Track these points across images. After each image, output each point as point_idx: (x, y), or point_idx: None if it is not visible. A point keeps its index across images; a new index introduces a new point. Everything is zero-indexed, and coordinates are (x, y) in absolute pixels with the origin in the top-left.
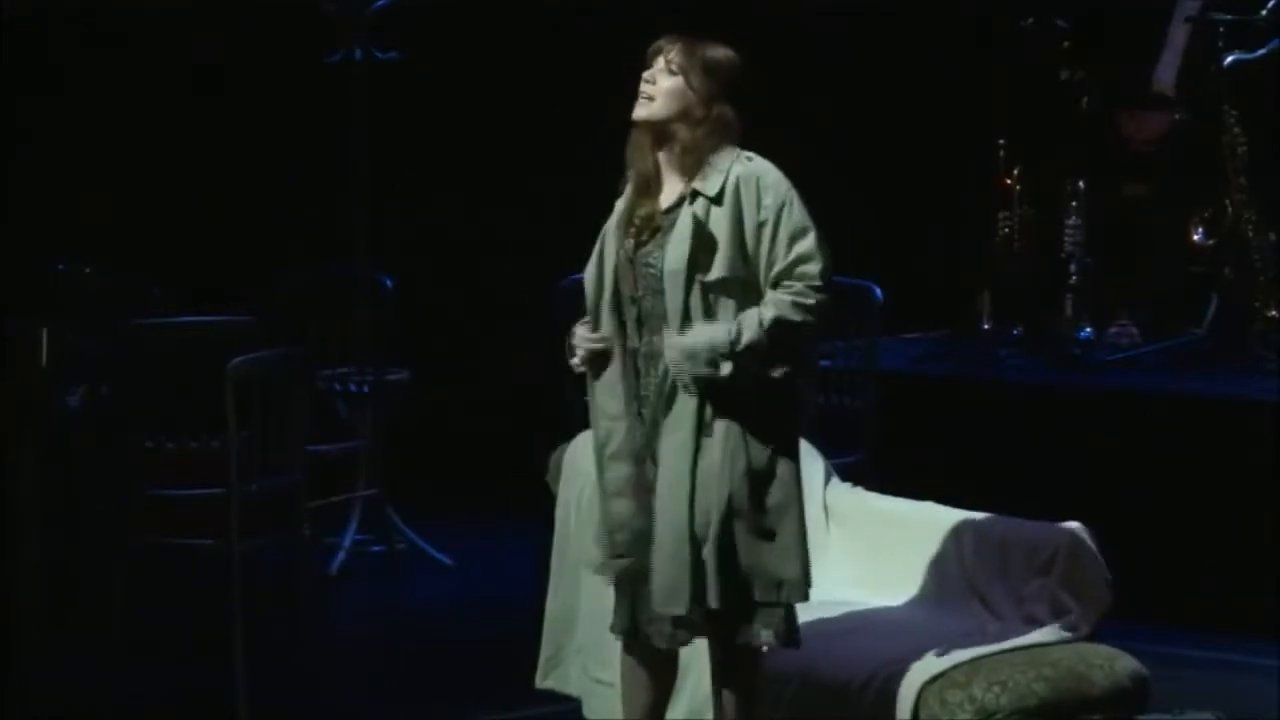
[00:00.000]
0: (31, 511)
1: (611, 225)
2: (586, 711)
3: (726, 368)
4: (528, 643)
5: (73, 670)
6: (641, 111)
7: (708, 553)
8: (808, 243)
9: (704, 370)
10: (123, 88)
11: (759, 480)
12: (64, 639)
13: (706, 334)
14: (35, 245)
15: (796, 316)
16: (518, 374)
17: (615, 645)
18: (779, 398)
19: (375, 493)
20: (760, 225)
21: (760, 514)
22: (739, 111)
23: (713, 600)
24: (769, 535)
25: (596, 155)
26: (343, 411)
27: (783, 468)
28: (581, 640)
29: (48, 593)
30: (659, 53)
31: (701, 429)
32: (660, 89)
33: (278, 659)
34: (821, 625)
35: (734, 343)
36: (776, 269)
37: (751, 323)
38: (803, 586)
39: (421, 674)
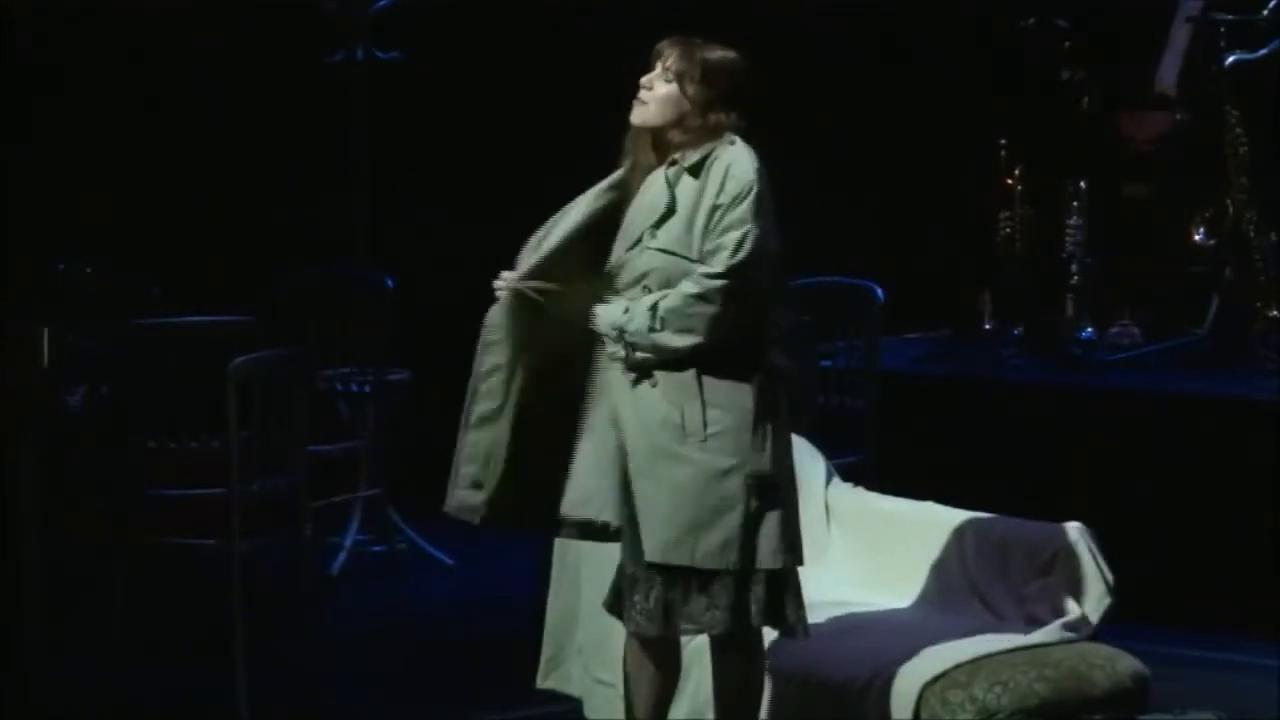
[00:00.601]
0: (32, 511)
1: (591, 192)
2: (588, 711)
3: (621, 348)
4: (529, 643)
5: (73, 670)
6: (636, 117)
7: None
8: (735, 235)
9: (615, 350)
10: (123, 88)
11: (664, 435)
12: (64, 639)
13: (609, 313)
14: (36, 245)
15: (689, 308)
16: None
17: (617, 645)
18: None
19: (376, 493)
20: (714, 209)
21: (650, 467)
22: (738, 117)
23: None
24: (652, 492)
25: (598, 155)
26: (344, 411)
27: (701, 422)
28: (583, 640)
29: (48, 593)
30: (659, 56)
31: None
32: (656, 95)
33: (279, 659)
34: (822, 625)
35: (623, 326)
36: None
37: (642, 309)
38: (667, 550)
39: (423, 674)
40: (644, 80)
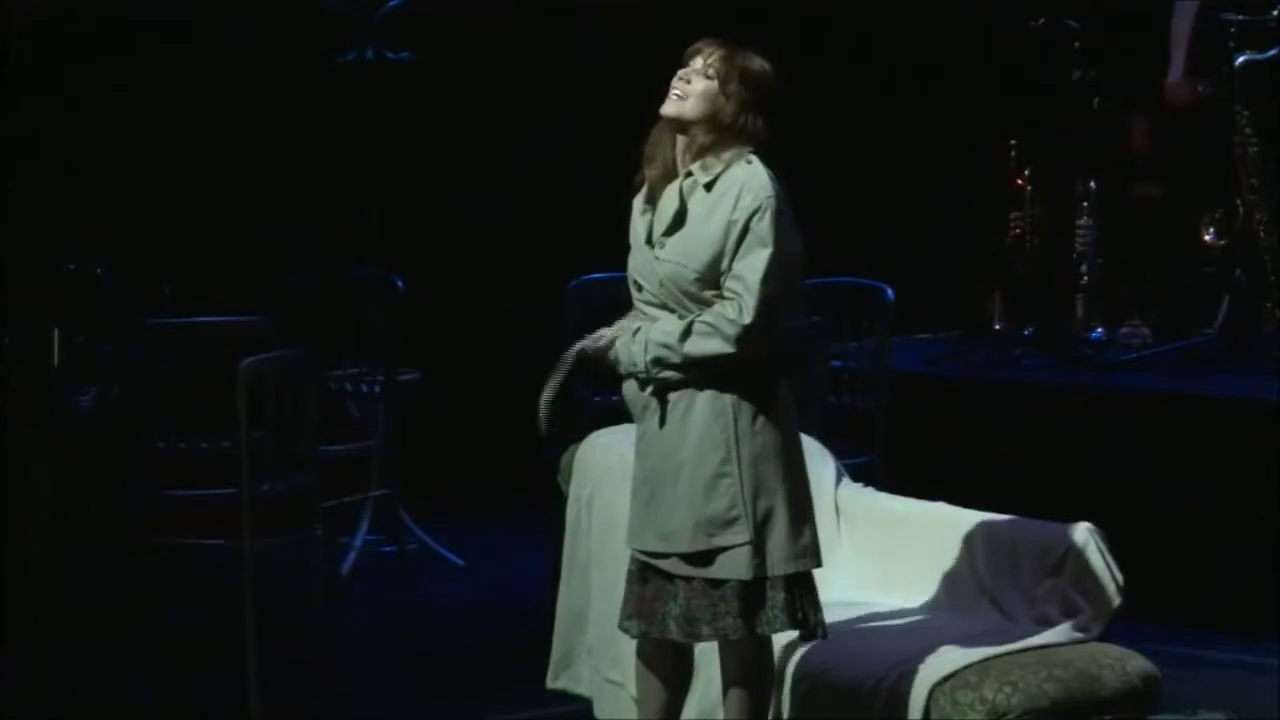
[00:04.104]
0: (43, 512)
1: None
2: (597, 712)
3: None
4: (539, 643)
5: (84, 671)
6: (671, 108)
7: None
8: (757, 261)
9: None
10: (130, 89)
11: (683, 441)
12: (76, 640)
13: (627, 349)
14: (45, 247)
15: (706, 348)
16: (529, 374)
17: (626, 646)
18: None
19: (386, 493)
20: (730, 224)
21: (663, 471)
22: (769, 124)
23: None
24: (662, 491)
25: (609, 156)
26: (354, 412)
27: (708, 429)
28: (592, 640)
29: (60, 593)
30: (698, 53)
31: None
32: (694, 89)
33: (289, 659)
34: (833, 625)
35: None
36: (726, 276)
37: (657, 338)
38: (673, 538)
39: (433, 674)
40: (681, 73)
